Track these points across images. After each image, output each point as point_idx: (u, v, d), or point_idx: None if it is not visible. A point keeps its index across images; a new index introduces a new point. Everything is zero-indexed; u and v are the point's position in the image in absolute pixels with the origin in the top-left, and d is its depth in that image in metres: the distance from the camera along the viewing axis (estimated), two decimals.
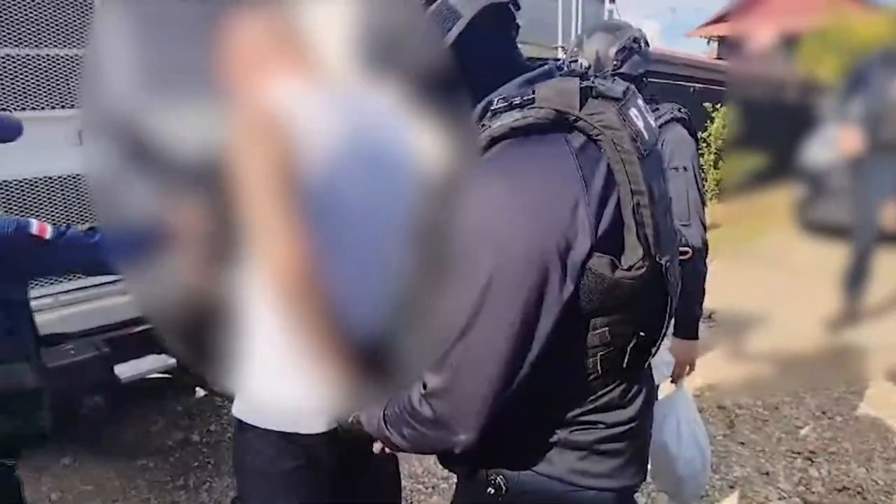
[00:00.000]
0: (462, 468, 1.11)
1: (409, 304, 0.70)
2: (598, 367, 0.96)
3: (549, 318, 0.91)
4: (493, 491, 1.03)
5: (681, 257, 2.02)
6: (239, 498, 1.62)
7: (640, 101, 1.02)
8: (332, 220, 0.65)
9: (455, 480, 1.18)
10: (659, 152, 1.08)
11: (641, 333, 0.99)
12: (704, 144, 5.60)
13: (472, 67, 0.92)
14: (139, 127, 0.63)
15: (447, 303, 0.77)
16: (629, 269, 0.91)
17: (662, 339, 1.07)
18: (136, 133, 0.63)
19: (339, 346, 0.66)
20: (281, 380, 0.70)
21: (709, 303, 3.77)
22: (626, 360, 0.98)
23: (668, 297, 1.02)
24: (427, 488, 2.58)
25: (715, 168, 5.55)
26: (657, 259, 0.95)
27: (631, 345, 0.98)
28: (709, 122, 5.49)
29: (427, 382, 0.94)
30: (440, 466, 2.87)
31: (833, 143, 3.49)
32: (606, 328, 0.94)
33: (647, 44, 2.10)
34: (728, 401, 3.10)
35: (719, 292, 3.70)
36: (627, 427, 1.03)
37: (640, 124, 0.97)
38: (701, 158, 5.52)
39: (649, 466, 2.02)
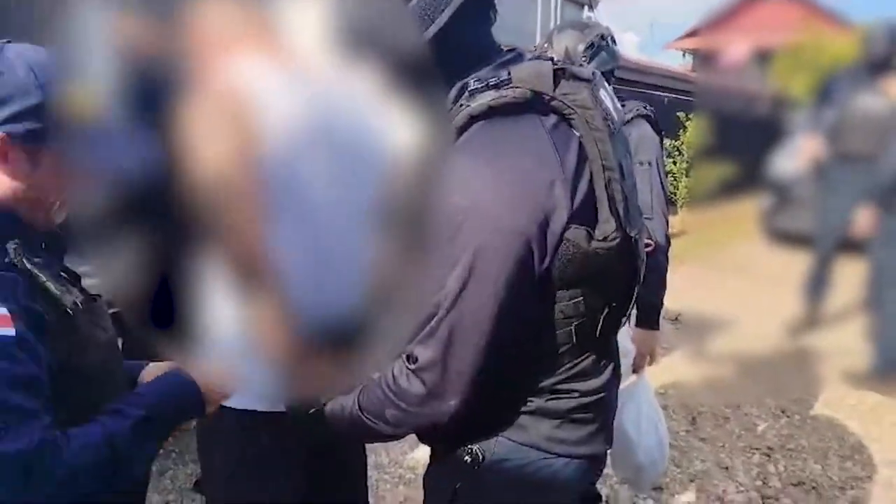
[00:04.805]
0: (441, 443, 1.12)
1: (382, 288, 0.70)
2: (573, 337, 0.99)
3: (531, 289, 0.93)
4: (469, 460, 1.04)
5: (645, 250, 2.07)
6: (202, 481, 1.59)
7: (605, 84, 1.06)
8: (295, 204, 0.66)
9: (420, 471, 1.19)
10: (624, 133, 1.13)
11: (613, 304, 1.02)
12: (677, 153, 5.71)
13: (454, 49, 0.96)
14: (104, 105, 0.63)
15: (433, 278, 0.79)
16: (604, 239, 0.94)
17: (631, 310, 1.12)
18: (102, 112, 0.63)
19: (301, 331, 0.67)
20: (243, 365, 0.70)
21: (675, 306, 3.87)
22: (598, 330, 1.01)
23: (636, 270, 1.07)
24: (393, 478, 2.59)
25: (687, 176, 5.66)
26: (627, 231, 0.99)
27: (603, 314, 1.00)
28: (682, 131, 5.62)
29: (417, 356, 0.96)
30: (407, 457, 2.89)
31: (798, 154, 3.59)
32: (581, 298, 0.97)
33: (614, 42, 2.15)
34: (691, 399, 3.16)
35: (686, 296, 3.79)
36: (598, 396, 1.06)
37: (609, 105, 1.02)
38: (674, 166, 5.62)
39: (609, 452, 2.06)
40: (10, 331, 0.83)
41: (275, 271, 0.63)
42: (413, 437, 1.12)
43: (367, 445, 1.61)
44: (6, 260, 0.87)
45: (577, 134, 0.96)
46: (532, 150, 0.94)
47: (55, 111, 0.72)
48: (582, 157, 0.96)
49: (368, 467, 1.60)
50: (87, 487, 0.85)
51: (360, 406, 1.05)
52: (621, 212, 0.97)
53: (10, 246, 0.87)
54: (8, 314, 0.84)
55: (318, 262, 0.65)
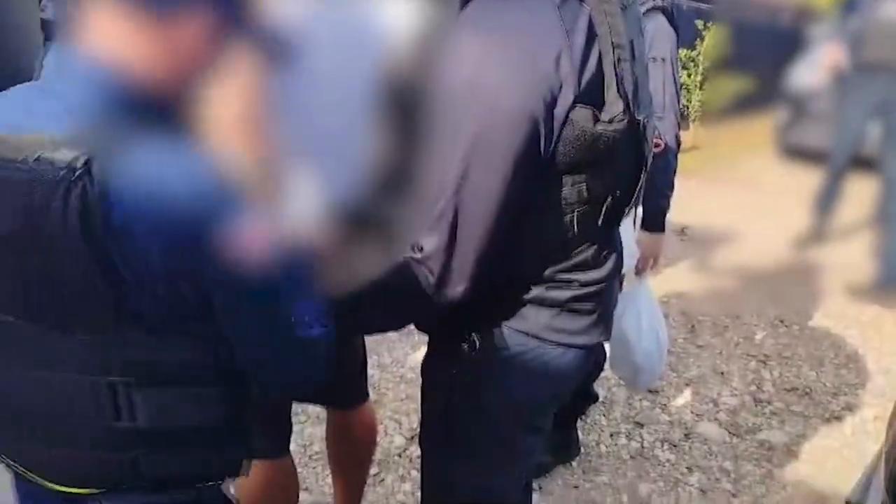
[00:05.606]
0: (441, 331, 1.12)
1: (387, 170, 0.69)
2: (575, 225, 0.97)
3: (534, 172, 0.90)
4: (466, 348, 1.04)
5: (654, 150, 2.02)
6: None
7: None
8: (299, 82, 0.64)
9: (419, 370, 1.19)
10: (638, 10, 1.07)
11: (617, 192, 0.99)
12: (692, 64, 5.54)
13: None
14: None
15: (435, 163, 0.77)
16: (610, 122, 0.91)
17: (636, 201, 1.09)
18: None
19: (310, 216, 0.66)
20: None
21: (682, 218, 3.84)
22: (601, 219, 0.99)
23: (643, 157, 1.02)
24: (395, 377, 2.64)
25: (700, 89, 5.50)
26: (635, 115, 0.95)
27: (606, 203, 0.98)
28: (699, 41, 5.42)
29: (423, 245, 0.93)
30: (409, 357, 2.95)
31: (818, 65, 3.48)
32: (584, 184, 0.94)
33: None
34: (692, 308, 3.19)
35: (694, 209, 3.76)
36: (598, 287, 1.04)
37: None
38: (688, 79, 5.46)
39: (608, 353, 2.09)
40: None
41: (279, 153, 0.62)
42: (415, 337, 1.11)
43: (370, 346, 1.61)
44: None
45: (587, 9, 0.91)
46: (538, 25, 0.90)
47: None
48: (591, 35, 0.91)
49: (371, 366, 1.62)
50: None
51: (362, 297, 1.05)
52: (629, 94, 0.94)
53: None
54: None
55: (321, 143, 0.64)
